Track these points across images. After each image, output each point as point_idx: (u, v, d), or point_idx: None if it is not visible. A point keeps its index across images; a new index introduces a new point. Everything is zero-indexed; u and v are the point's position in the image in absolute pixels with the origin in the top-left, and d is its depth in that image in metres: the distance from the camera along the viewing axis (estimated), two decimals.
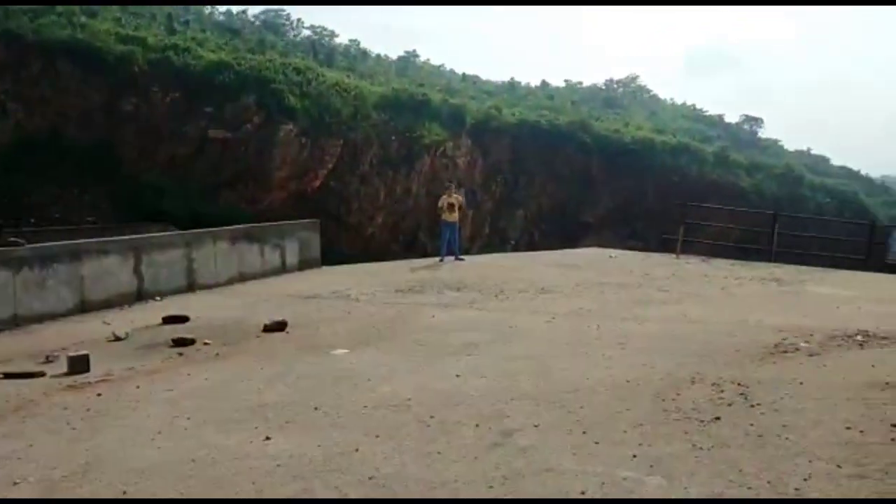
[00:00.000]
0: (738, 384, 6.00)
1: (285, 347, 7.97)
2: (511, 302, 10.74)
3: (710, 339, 7.85)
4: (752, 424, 4.98)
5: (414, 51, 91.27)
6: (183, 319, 9.81)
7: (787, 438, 4.69)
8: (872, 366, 6.58)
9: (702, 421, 5.10)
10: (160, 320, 9.75)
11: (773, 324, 8.70)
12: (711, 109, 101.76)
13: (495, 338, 8.09)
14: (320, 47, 69.17)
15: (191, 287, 12.67)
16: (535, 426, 5.09)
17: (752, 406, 5.40)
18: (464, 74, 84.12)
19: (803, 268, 15.05)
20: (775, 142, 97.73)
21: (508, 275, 13.73)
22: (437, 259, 16.60)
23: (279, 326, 8.97)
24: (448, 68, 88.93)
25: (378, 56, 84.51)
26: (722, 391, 5.82)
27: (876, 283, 12.78)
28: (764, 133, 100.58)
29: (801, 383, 5.99)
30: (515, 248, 47.27)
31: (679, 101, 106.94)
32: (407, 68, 79.52)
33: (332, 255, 32.29)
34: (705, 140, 69.27)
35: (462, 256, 16.88)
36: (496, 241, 48.48)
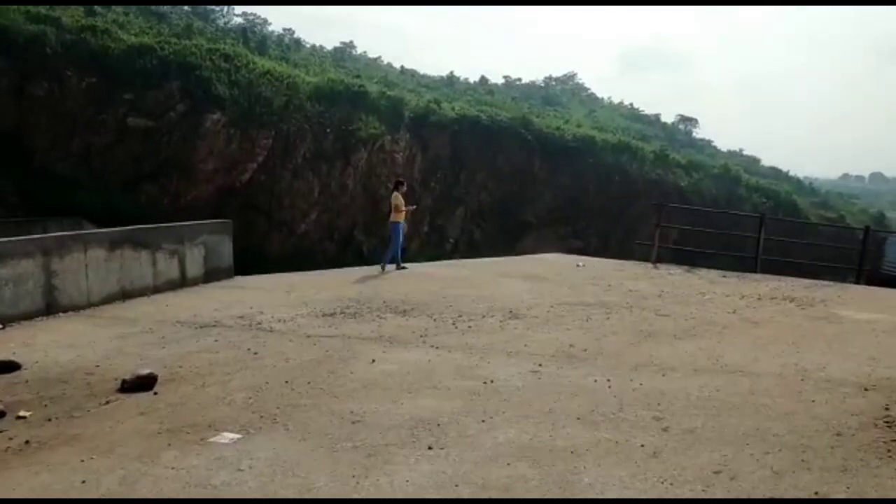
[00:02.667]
0: None
1: (141, 427, 5.08)
2: (476, 334, 8.06)
3: (785, 409, 5.32)
4: None
5: (350, 42, 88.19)
6: (10, 367, 6.80)
7: None
8: None
9: None
10: None
11: (845, 375, 6.27)
12: (647, 109, 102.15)
13: (467, 407, 5.38)
14: (252, 35, 65.71)
15: (50, 309, 9.54)
16: None
17: None
18: (402, 67, 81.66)
19: (808, 281, 12.81)
20: (709, 142, 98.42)
21: (464, 290, 11.09)
22: (379, 267, 13.85)
23: (144, 383, 6.05)
24: (385, 61, 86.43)
25: (313, 46, 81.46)
26: None
27: None
28: (699, 133, 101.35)
29: None
30: (455, 247, 44.91)
31: (616, 100, 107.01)
32: (343, 59, 76.74)
33: (261, 254, 29.20)
34: (643, 139, 68.36)
35: (405, 265, 14.18)
36: (435, 239, 46.10)
